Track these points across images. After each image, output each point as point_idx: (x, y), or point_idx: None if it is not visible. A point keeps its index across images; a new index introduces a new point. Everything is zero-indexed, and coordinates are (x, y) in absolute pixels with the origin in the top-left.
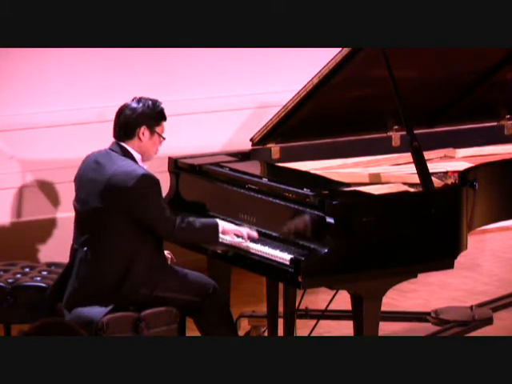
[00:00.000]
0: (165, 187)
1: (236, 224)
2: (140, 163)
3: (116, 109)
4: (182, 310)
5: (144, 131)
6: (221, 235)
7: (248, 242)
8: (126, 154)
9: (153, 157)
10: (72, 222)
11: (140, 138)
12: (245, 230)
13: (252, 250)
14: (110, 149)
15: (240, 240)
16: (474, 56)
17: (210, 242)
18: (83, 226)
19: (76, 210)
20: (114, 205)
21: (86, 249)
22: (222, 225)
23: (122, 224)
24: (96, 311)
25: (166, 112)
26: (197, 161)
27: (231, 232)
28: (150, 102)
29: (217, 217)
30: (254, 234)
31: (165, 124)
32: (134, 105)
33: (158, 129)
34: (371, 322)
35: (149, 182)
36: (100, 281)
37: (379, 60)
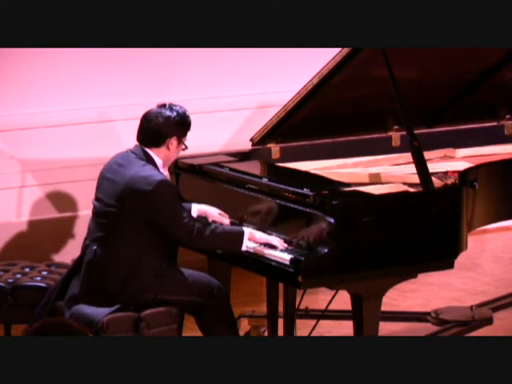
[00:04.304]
0: None
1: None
2: (161, 169)
3: (116, 109)
4: (185, 310)
5: (173, 141)
6: (247, 242)
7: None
8: (148, 159)
9: (172, 162)
10: (73, 221)
11: (168, 148)
12: (276, 240)
13: (252, 250)
14: (133, 152)
15: (268, 250)
16: (474, 56)
17: (234, 250)
18: (97, 224)
19: (94, 207)
20: (129, 208)
21: (95, 247)
22: (250, 231)
23: (135, 229)
24: (97, 312)
25: None
26: (197, 161)
27: (261, 241)
28: (181, 112)
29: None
30: (284, 244)
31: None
32: (168, 113)
33: (184, 139)
34: (371, 322)
35: (166, 187)
36: (104, 282)
37: (379, 60)
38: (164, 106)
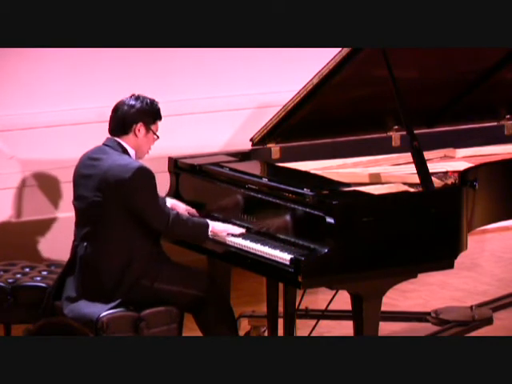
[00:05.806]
0: (165, 187)
1: (228, 223)
2: (134, 159)
3: None
4: (183, 306)
5: (140, 128)
6: (210, 235)
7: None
8: (121, 149)
9: (145, 155)
10: (72, 221)
11: (136, 134)
12: (232, 229)
13: (252, 250)
14: (105, 144)
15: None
16: (474, 56)
17: (200, 241)
18: (83, 222)
19: (75, 207)
20: (111, 198)
21: (85, 243)
22: (212, 225)
23: (120, 217)
24: (96, 309)
25: (167, 112)
26: (197, 161)
27: (220, 232)
28: (148, 100)
29: (217, 217)
30: (242, 230)
31: (159, 124)
32: (132, 101)
33: (153, 127)
34: (371, 322)
35: (144, 174)
36: (100, 274)
37: (379, 60)
38: (131, 96)
